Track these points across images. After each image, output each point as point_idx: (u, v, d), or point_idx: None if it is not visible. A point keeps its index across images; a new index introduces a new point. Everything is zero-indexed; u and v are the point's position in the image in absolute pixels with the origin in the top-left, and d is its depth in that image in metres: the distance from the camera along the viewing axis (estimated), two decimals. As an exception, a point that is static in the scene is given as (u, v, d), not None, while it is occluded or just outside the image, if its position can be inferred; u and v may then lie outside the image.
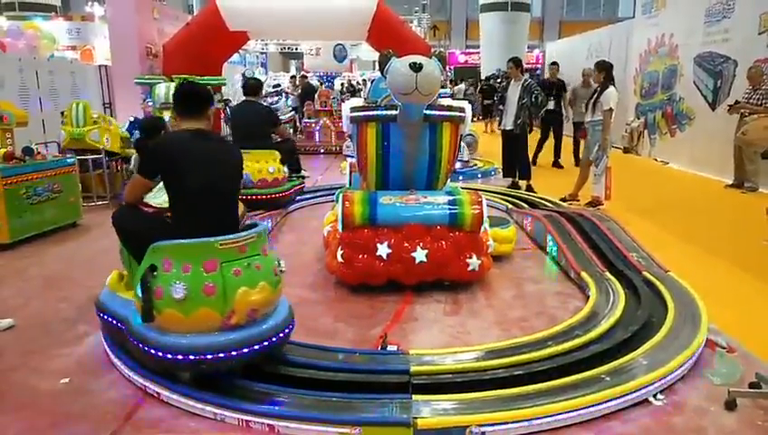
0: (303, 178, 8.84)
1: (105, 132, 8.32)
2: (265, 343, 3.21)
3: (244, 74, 24.99)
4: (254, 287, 3.16)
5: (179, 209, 3.45)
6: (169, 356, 3.11)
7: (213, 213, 3.40)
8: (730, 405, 3.08)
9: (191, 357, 3.08)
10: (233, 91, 20.54)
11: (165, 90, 9.99)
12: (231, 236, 3.17)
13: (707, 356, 3.60)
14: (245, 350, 3.14)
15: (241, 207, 5.87)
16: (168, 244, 3.14)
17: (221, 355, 3.08)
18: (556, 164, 11.84)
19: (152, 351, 3.15)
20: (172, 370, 3.22)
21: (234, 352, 3.11)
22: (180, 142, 3.49)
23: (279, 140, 8.41)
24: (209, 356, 3.07)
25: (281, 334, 3.32)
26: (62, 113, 8.65)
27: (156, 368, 3.27)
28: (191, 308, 3.06)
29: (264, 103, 10.72)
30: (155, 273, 3.12)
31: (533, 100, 8.63)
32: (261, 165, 7.49)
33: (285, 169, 7.88)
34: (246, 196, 7.09)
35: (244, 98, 8.54)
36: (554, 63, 12.57)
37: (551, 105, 11.36)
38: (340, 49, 27.06)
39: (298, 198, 8.41)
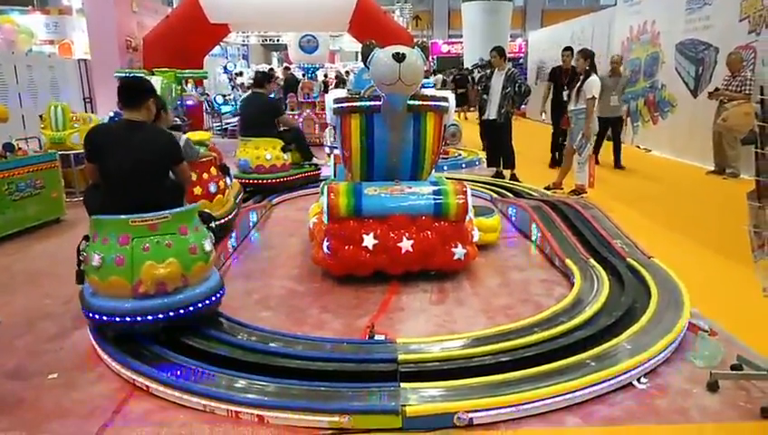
0: (317, 166, 8.96)
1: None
2: (170, 314, 3.56)
3: (225, 67, 24.84)
4: (161, 262, 3.50)
5: (105, 189, 3.91)
6: (90, 315, 3.62)
7: (132, 193, 3.75)
8: (712, 387, 3.14)
9: (104, 318, 3.56)
10: (214, 84, 20.43)
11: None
12: (142, 214, 3.55)
13: (690, 340, 3.65)
14: (149, 317, 3.52)
15: (237, 186, 6.35)
16: (96, 218, 3.64)
17: (127, 319, 3.51)
18: (554, 162, 10.37)
19: (83, 309, 3.66)
20: (98, 328, 3.70)
21: (139, 318, 3.51)
22: (107, 131, 4.14)
23: (284, 129, 8.72)
24: (117, 319, 3.53)
25: (190, 307, 3.62)
26: (41, 116, 8.57)
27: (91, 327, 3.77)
28: (105, 275, 3.52)
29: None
30: (87, 242, 3.67)
31: (517, 89, 8.63)
32: (259, 152, 8.02)
33: (286, 156, 8.23)
34: (244, 180, 7.84)
35: (225, 91, 8.74)
36: (568, 49, 10.50)
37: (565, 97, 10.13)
38: (308, 40, 26.26)
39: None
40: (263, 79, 9.00)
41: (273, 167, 8.09)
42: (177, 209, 3.73)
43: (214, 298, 3.82)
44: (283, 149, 8.21)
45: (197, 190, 5.54)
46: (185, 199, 4.20)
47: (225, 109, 18.08)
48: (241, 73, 24.84)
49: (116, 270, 3.49)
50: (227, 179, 6.24)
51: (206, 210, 4.64)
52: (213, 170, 5.91)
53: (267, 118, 8.37)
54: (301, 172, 8.55)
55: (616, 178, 9.14)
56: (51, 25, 20.92)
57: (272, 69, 22.72)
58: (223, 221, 5.60)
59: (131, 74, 5.49)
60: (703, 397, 3.11)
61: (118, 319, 3.52)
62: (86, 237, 3.72)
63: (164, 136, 4.12)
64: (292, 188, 8.35)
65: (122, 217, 3.54)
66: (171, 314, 3.56)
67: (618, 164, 10.21)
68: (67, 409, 3.11)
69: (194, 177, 5.34)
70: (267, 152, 8.04)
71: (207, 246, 3.78)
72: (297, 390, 3.08)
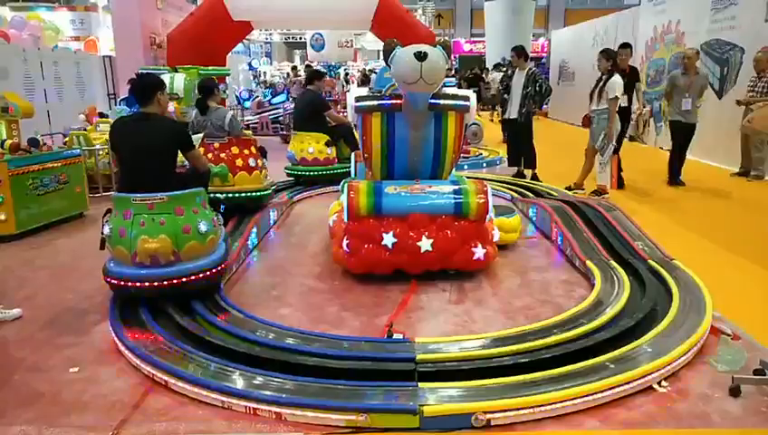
0: None
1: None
2: (155, 284, 4.04)
3: (250, 64, 24.96)
4: (154, 238, 3.99)
5: (121, 172, 4.63)
6: (107, 279, 4.15)
7: (140, 176, 4.23)
8: (734, 392, 3.09)
9: (113, 281, 4.11)
10: (238, 81, 20.53)
11: (169, 80, 10.00)
12: (141, 194, 4.06)
13: (712, 343, 3.60)
14: (143, 284, 4.04)
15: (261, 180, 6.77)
16: (113, 194, 4.31)
17: (124, 283, 4.06)
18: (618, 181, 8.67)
19: (102, 274, 4.20)
20: (113, 292, 4.22)
21: (136, 284, 4.05)
22: (123, 123, 4.61)
23: (334, 124, 9.03)
24: (118, 282, 4.08)
25: (174, 280, 4.07)
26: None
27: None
28: (114, 244, 4.14)
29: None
30: (108, 215, 4.25)
31: (538, 88, 8.60)
32: (304, 145, 8.60)
33: (329, 151, 8.61)
34: (289, 172, 8.76)
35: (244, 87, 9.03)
36: (626, 45, 8.86)
37: (623, 101, 8.13)
38: (316, 38, 26.56)
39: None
40: (310, 76, 9.49)
41: (315, 160, 8.57)
42: (174, 192, 4.13)
43: (203, 275, 4.20)
44: (327, 144, 8.56)
45: (239, 162, 6.40)
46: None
47: (247, 105, 18.20)
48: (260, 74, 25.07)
49: (120, 240, 4.08)
50: (264, 160, 6.86)
51: (218, 194, 5.21)
52: (253, 149, 6.65)
53: (313, 113, 8.69)
54: (346, 167, 8.69)
55: (639, 179, 9.02)
56: (77, 22, 21.14)
57: (294, 67, 22.77)
58: (258, 195, 6.51)
59: (140, 72, 6.12)
60: (724, 402, 3.06)
61: (118, 282, 4.08)
62: (108, 210, 4.30)
63: (168, 125, 4.52)
64: (334, 182, 8.40)
65: (128, 195, 4.10)
66: (156, 283, 4.05)
67: (675, 179, 8.83)
68: (87, 403, 3.14)
69: (236, 150, 6.40)
70: (310, 146, 8.50)
71: (203, 227, 4.20)
72: (315, 387, 3.08)
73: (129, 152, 4.31)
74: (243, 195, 6.32)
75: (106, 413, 3.04)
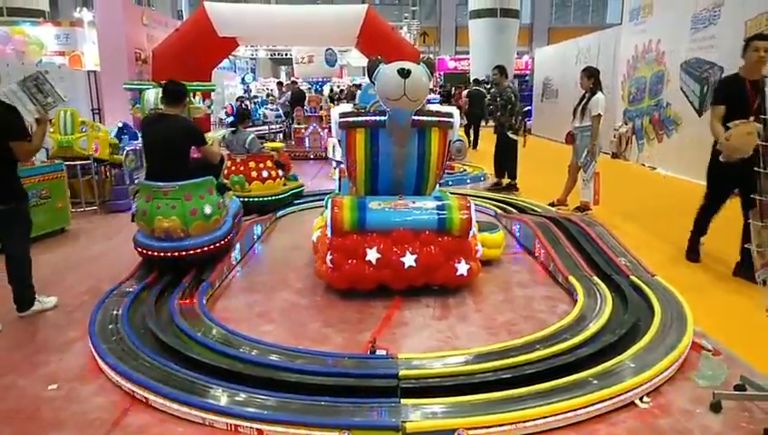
0: None
1: (93, 139, 8.30)
2: (165, 254, 5.07)
3: (243, 78, 24.99)
4: (167, 218, 4.97)
5: (146, 161, 5.49)
6: (134, 246, 5.20)
7: (157, 165, 5.22)
8: (715, 407, 3.11)
9: (139, 249, 5.17)
10: (222, 98, 20.54)
11: (154, 95, 10.00)
12: (158, 183, 5.04)
13: (693, 359, 3.63)
14: (160, 254, 5.08)
15: (294, 184, 8.70)
16: (139, 181, 5.41)
17: (145, 251, 5.13)
18: (695, 252, 5.91)
19: (133, 243, 5.25)
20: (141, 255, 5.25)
21: (155, 253, 5.10)
22: (148, 120, 5.81)
23: None
24: (143, 250, 5.13)
25: (175, 253, 5.06)
26: (51, 121, 8.62)
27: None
28: (138, 220, 5.17)
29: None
30: (136, 195, 5.28)
31: (502, 103, 9.41)
32: None
33: None
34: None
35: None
36: (764, 37, 5.68)
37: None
38: (330, 53, 26.83)
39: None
40: (353, 93, 10.70)
41: None
42: (184, 182, 5.05)
43: (206, 248, 5.16)
44: None
45: (254, 174, 7.85)
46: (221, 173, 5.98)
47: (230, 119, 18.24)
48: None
49: (143, 218, 5.08)
50: (280, 172, 8.23)
51: (225, 182, 6.10)
52: (269, 163, 8.08)
53: None
54: None
55: (621, 195, 9.09)
56: (62, 37, 21.09)
57: (280, 83, 22.78)
58: (272, 199, 7.88)
59: (173, 80, 6.58)
60: (705, 417, 3.08)
61: (143, 250, 5.12)
62: (136, 192, 5.31)
63: (182, 124, 5.32)
64: None
65: (148, 182, 5.12)
66: (165, 253, 5.06)
67: None
68: (66, 420, 3.10)
69: (252, 165, 7.89)
70: None
71: (207, 210, 5.13)
72: (297, 404, 3.07)
73: (148, 146, 5.33)
74: (256, 199, 7.69)
75: (85, 431, 3.00)
